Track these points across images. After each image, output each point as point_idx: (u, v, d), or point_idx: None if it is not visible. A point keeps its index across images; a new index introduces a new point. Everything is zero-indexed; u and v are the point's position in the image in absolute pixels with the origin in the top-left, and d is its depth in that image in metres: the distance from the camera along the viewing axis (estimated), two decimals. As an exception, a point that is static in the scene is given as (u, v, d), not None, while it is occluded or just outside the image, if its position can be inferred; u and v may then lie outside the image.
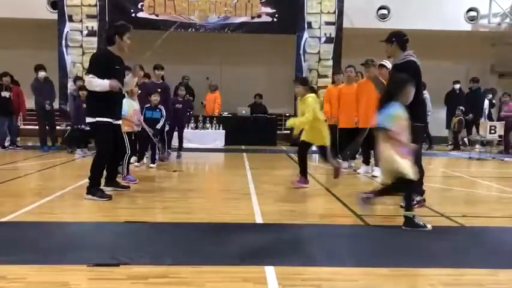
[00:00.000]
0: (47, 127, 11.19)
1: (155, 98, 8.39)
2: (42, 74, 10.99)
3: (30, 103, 11.76)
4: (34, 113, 11.47)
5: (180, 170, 8.43)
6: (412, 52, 5.48)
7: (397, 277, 3.27)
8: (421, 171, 5.47)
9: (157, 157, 8.63)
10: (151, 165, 8.34)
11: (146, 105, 8.35)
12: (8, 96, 11.22)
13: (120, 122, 5.87)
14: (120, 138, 5.99)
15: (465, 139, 13.84)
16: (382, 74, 6.86)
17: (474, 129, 13.29)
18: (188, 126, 12.16)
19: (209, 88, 14.30)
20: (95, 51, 12.89)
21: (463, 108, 13.33)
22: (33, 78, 11.06)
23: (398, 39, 5.47)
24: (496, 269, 3.41)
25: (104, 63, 5.53)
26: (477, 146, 12.63)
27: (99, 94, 5.46)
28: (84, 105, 9.50)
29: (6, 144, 11.28)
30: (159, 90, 8.60)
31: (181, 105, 9.78)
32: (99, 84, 5.43)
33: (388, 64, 6.85)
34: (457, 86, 13.88)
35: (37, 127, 11.36)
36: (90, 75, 5.47)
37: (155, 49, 6.77)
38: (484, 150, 12.08)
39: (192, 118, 12.70)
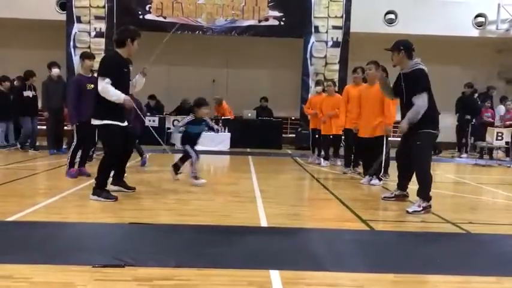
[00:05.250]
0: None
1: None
2: (55, 71, 10.11)
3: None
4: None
5: (184, 172, 8.42)
6: (419, 60, 5.49)
7: (403, 283, 3.25)
8: (430, 178, 5.46)
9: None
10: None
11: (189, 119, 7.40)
12: (31, 96, 10.84)
13: (126, 123, 5.87)
14: (128, 139, 5.99)
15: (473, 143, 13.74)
16: (373, 74, 7.16)
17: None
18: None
19: (215, 102, 13.57)
20: (102, 52, 13.05)
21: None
22: (47, 77, 10.33)
23: (406, 47, 5.48)
24: (501, 277, 3.39)
25: (114, 66, 5.52)
26: (498, 151, 12.50)
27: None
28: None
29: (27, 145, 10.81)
30: (92, 85, 6.88)
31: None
32: (115, 95, 5.39)
33: None
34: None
35: (44, 127, 10.91)
36: (106, 80, 5.38)
37: (157, 53, 6.68)
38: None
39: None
